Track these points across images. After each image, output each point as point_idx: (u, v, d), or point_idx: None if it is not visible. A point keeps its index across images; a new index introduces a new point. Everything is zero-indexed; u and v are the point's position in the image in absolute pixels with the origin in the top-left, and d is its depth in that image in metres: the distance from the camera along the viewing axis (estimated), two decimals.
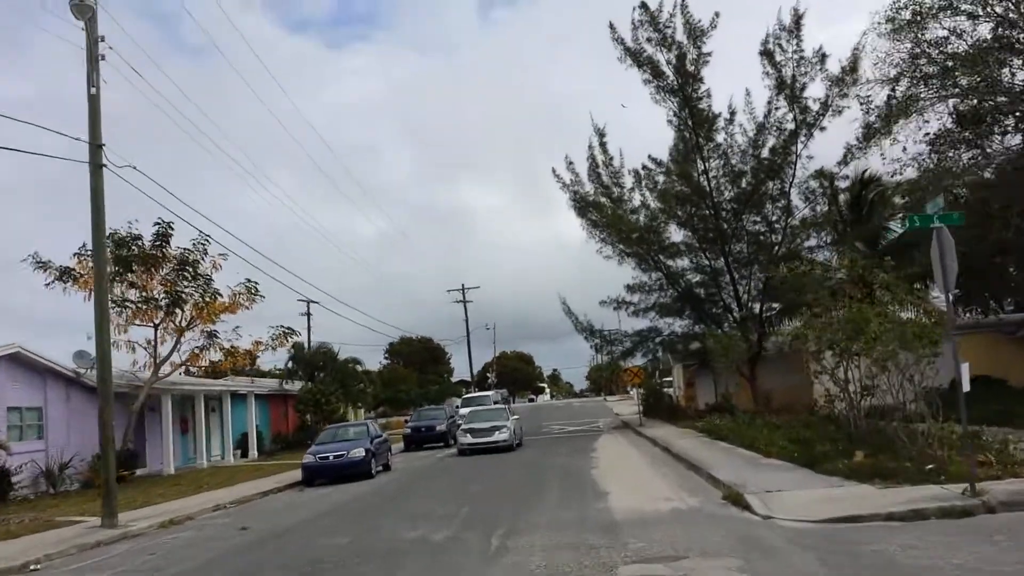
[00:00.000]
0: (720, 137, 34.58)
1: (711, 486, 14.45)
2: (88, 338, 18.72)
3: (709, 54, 33.04)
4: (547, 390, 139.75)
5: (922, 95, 24.31)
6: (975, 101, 25.16)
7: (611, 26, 34.08)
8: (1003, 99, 24.16)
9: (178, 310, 24.97)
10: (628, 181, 36.49)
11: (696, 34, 32.79)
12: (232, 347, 26.40)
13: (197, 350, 26.21)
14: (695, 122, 34.08)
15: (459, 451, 28.44)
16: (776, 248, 35.30)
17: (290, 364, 40.00)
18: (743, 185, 35.03)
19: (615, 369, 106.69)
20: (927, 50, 23.30)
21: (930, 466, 12.02)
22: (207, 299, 25.19)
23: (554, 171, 36.11)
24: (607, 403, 69.29)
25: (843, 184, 35.41)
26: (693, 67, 33.23)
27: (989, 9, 22.99)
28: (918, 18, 22.74)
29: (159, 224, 24.19)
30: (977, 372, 17.40)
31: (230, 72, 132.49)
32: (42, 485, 23.84)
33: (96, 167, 15.94)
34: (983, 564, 7.40)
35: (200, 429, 30.24)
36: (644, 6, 32.85)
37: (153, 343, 25.67)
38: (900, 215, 36.95)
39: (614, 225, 35.23)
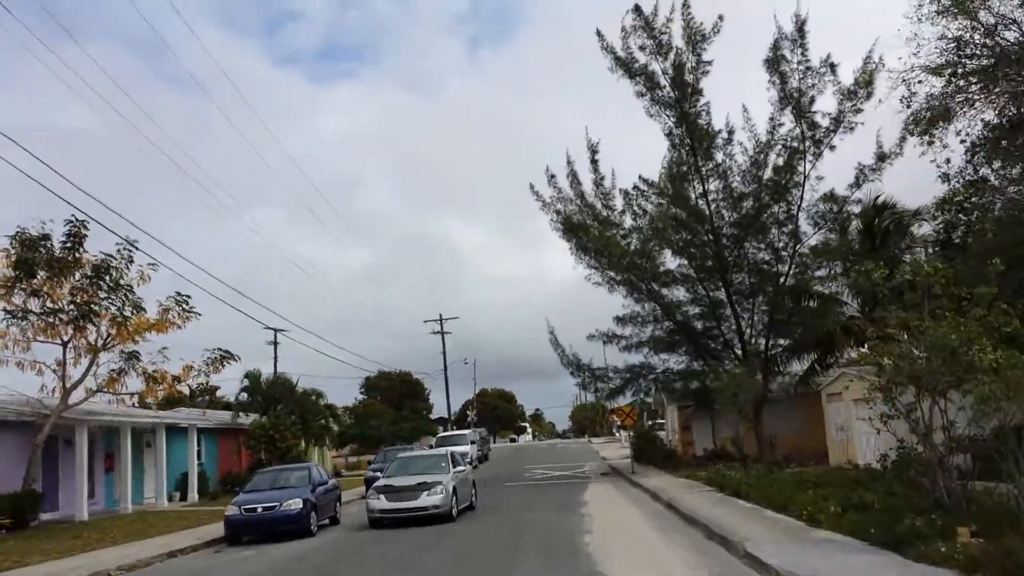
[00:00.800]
0: (720, 155, 30.92)
1: (753, 570, 10.17)
2: None
3: (709, 63, 29.31)
4: (529, 429, 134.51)
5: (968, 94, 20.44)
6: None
7: (599, 34, 30.35)
8: None
9: (91, 325, 20.58)
10: (618, 203, 32.61)
11: (696, 40, 29.07)
12: (158, 372, 21.93)
13: (114, 374, 21.72)
14: (693, 139, 30.30)
15: (370, 522, 18.84)
16: (783, 278, 31.40)
17: (244, 396, 35.42)
18: (746, 208, 31.21)
19: (600, 410, 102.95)
20: (976, 39, 19.51)
21: None
22: (126, 313, 20.83)
23: (532, 187, 32.12)
24: (592, 445, 64.68)
25: (855, 209, 31.73)
26: (692, 77, 29.51)
27: None
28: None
29: (71, 223, 19.97)
30: None
31: (224, 105, 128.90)
32: None
33: None
34: None
35: (125, 467, 25.54)
36: (637, 9, 29.14)
37: (62, 364, 21.21)
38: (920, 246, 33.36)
39: (602, 249, 31.19)
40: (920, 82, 19.87)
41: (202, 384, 44.95)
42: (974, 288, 12.12)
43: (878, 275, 13.00)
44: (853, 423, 26.27)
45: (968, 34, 19.54)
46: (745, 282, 32.52)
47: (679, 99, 29.83)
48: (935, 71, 19.37)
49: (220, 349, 22.61)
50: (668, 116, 30.56)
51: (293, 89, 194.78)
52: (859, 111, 28.85)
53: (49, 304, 20.07)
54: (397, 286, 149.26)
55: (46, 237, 19.99)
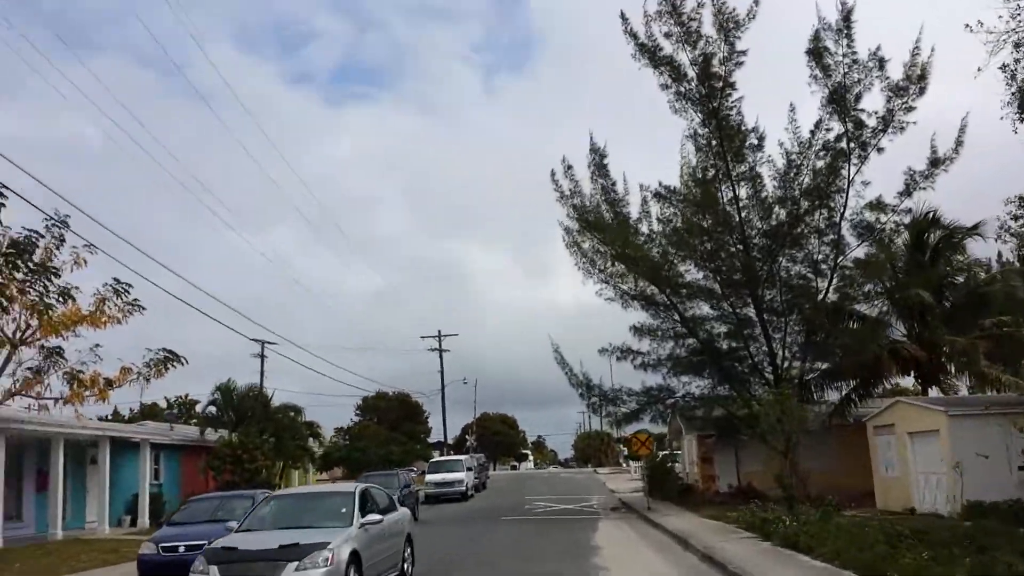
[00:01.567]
0: (753, 157, 27.16)
1: None
2: None
3: (743, 53, 25.55)
4: (530, 457, 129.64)
5: None
6: None
7: (622, 16, 26.63)
8: None
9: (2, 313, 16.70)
10: (634, 211, 28.73)
11: (728, 26, 25.35)
12: (89, 374, 17.95)
13: (32, 373, 17.75)
14: (722, 137, 26.56)
15: None
16: (821, 295, 27.44)
17: (213, 410, 31.42)
18: (780, 216, 27.39)
19: (605, 439, 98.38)
20: None
21: None
22: (48, 299, 16.94)
23: (552, 175, 28.29)
24: (598, 476, 60.16)
25: (904, 219, 27.82)
26: (723, 68, 25.80)
27: None
28: None
29: None
30: None
31: (234, 123, 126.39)
32: None
33: None
34: None
35: (56, 486, 21.53)
36: None
37: None
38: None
39: (620, 251, 27.32)
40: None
41: (181, 400, 40.93)
42: None
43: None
44: (909, 461, 22.17)
45: None
46: (777, 299, 28.61)
47: (707, 94, 26.14)
48: None
49: (164, 349, 18.65)
50: (695, 112, 26.88)
51: (308, 109, 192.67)
52: (910, 109, 25.28)
53: None
54: (404, 309, 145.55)
55: None
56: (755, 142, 26.80)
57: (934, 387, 28.65)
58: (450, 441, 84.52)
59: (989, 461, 18.85)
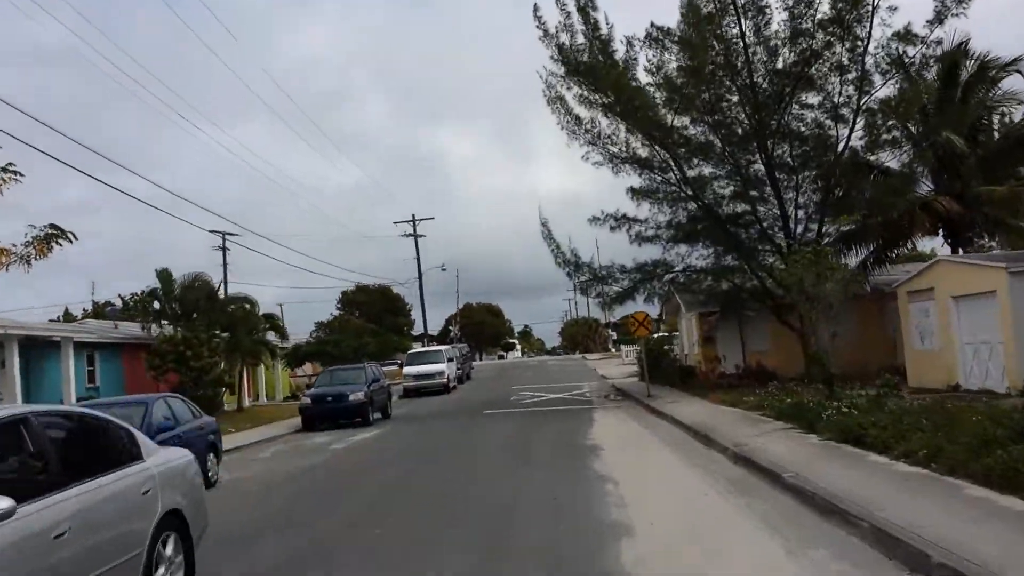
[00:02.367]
0: None
1: None
2: None
3: None
4: (518, 346, 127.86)
5: None
6: None
7: None
8: None
9: None
10: (621, 51, 24.25)
11: None
12: None
13: None
14: None
15: None
16: (843, 144, 23.57)
17: (155, 304, 27.54)
18: (795, 54, 23.21)
19: (593, 324, 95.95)
20: None
21: None
22: None
23: (536, 9, 23.56)
24: (587, 362, 57.53)
25: (934, 52, 23.64)
26: None
27: None
28: None
29: None
30: None
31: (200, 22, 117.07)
32: None
33: None
34: None
35: None
36: None
37: None
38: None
39: (611, 95, 23.15)
40: None
41: (137, 297, 36.63)
42: None
43: None
44: (953, 330, 18.85)
45: None
46: (788, 153, 24.72)
47: None
48: None
49: (50, 225, 14.79)
50: None
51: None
52: None
53: None
54: (387, 203, 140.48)
55: None
56: None
57: (961, 248, 25.23)
58: (434, 333, 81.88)
59: None
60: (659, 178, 25.50)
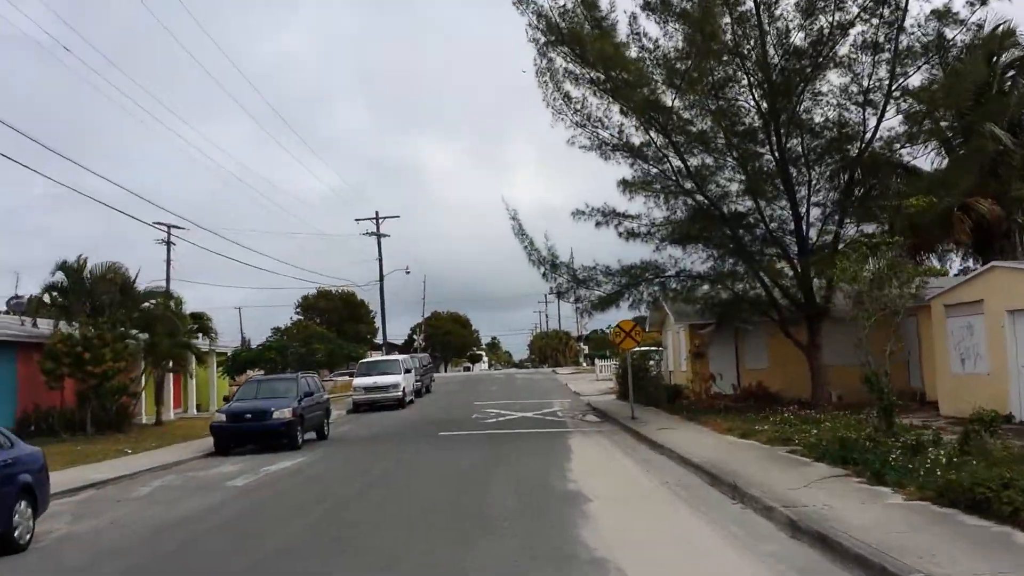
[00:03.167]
0: None
1: None
2: None
3: None
4: (485, 358, 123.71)
5: None
6: None
7: None
8: None
9: None
10: (621, 35, 20.79)
11: None
12: None
13: None
14: None
15: None
16: (870, 134, 20.27)
17: (56, 296, 23.19)
18: (822, 23, 19.95)
19: (563, 338, 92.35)
20: None
21: None
22: None
23: None
24: (558, 377, 53.74)
25: (976, 37, 20.50)
26: None
27: None
28: None
29: None
30: None
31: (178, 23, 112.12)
32: None
33: None
34: None
35: None
36: None
37: None
38: None
39: (601, 69, 19.60)
40: None
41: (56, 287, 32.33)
42: None
43: None
44: (1008, 349, 15.42)
45: None
46: (798, 146, 21.37)
47: None
48: None
49: None
50: None
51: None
52: None
53: None
54: (358, 209, 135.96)
55: None
56: None
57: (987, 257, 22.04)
58: (398, 342, 77.79)
59: None
60: (654, 169, 21.97)
